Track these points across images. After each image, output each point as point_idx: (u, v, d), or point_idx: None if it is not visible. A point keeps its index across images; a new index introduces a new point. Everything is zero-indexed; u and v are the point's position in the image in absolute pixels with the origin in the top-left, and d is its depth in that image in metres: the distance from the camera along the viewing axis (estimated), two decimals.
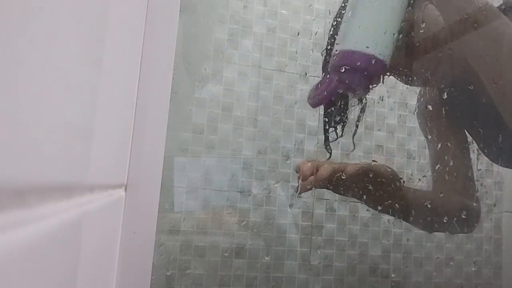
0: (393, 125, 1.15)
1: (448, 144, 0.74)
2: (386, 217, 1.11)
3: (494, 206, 1.17)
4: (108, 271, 0.34)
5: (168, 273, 0.95)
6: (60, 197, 0.19)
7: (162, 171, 0.43)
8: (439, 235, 1.13)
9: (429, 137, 0.79)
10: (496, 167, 1.19)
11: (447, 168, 0.73)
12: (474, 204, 0.75)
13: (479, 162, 0.76)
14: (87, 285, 0.25)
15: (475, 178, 0.77)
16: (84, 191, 0.23)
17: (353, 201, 1.09)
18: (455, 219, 0.71)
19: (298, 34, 1.11)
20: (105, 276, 0.33)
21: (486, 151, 0.73)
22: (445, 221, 0.71)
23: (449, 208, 0.73)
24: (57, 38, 0.16)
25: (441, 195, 0.73)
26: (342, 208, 1.09)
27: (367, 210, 1.09)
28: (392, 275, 1.10)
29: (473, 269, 1.14)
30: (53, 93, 0.16)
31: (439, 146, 0.75)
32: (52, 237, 0.18)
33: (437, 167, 0.75)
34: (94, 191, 0.26)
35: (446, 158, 0.74)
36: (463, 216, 0.71)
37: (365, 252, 1.09)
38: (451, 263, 1.13)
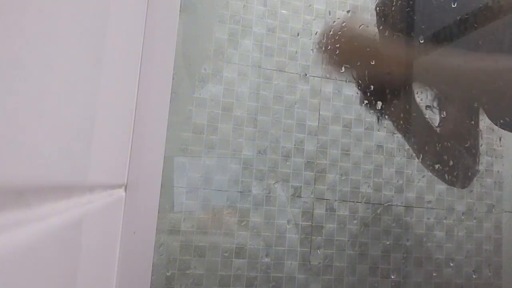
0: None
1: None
2: (386, 217, 1.10)
3: (494, 206, 1.17)
4: (108, 271, 0.34)
5: (168, 273, 0.95)
6: (60, 197, 0.19)
7: (162, 171, 0.43)
8: (439, 235, 1.13)
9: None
10: (496, 167, 1.19)
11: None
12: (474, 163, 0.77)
13: (479, 163, 0.77)
14: (87, 285, 0.25)
15: (479, 141, 0.79)
16: (84, 191, 0.23)
17: (353, 201, 1.09)
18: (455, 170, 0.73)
19: (298, 34, 1.10)
20: (105, 276, 0.33)
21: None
22: (450, 165, 0.72)
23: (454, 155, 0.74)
24: (57, 38, 0.16)
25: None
26: (342, 208, 1.09)
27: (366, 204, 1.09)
28: (392, 275, 1.10)
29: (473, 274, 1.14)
30: (53, 93, 0.16)
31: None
32: (52, 237, 0.18)
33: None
34: (94, 191, 0.26)
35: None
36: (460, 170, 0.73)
37: (365, 252, 1.09)
38: (451, 263, 1.13)
